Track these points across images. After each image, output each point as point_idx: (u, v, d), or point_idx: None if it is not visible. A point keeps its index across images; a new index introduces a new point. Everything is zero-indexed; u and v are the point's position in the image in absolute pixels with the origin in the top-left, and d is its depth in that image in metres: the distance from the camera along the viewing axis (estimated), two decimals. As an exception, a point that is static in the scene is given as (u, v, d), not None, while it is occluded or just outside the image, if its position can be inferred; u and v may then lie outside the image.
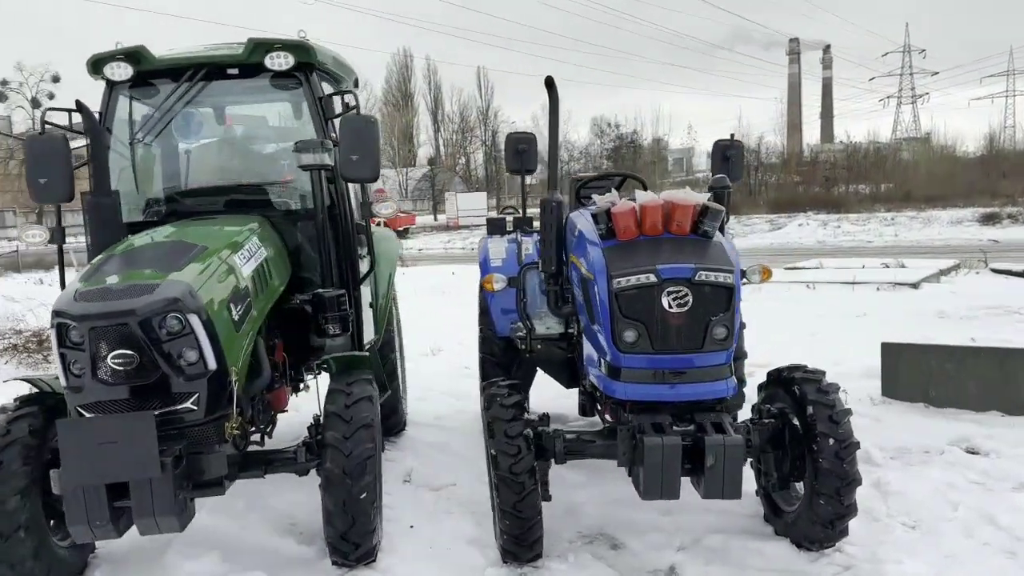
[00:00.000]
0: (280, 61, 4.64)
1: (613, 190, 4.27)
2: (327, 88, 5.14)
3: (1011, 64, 77.30)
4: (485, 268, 5.64)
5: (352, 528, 3.74)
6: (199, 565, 3.98)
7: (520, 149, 4.71)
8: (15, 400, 3.80)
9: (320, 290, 4.58)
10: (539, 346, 5.08)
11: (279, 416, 4.75)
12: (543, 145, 6.05)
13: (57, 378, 3.54)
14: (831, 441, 3.69)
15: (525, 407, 3.98)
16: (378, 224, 6.15)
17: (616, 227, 3.81)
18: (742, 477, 3.51)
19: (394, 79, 67.98)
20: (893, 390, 6.43)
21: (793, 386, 3.92)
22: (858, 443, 3.76)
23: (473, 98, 67.17)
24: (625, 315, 3.62)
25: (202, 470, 3.53)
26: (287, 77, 4.81)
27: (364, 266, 5.18)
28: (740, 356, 5.30)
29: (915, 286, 12.97)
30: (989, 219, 30.35)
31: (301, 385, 5.09)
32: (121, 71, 4.61)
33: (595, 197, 4.05)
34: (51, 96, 32.45)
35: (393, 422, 6.00)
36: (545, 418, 4.10)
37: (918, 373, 6.31)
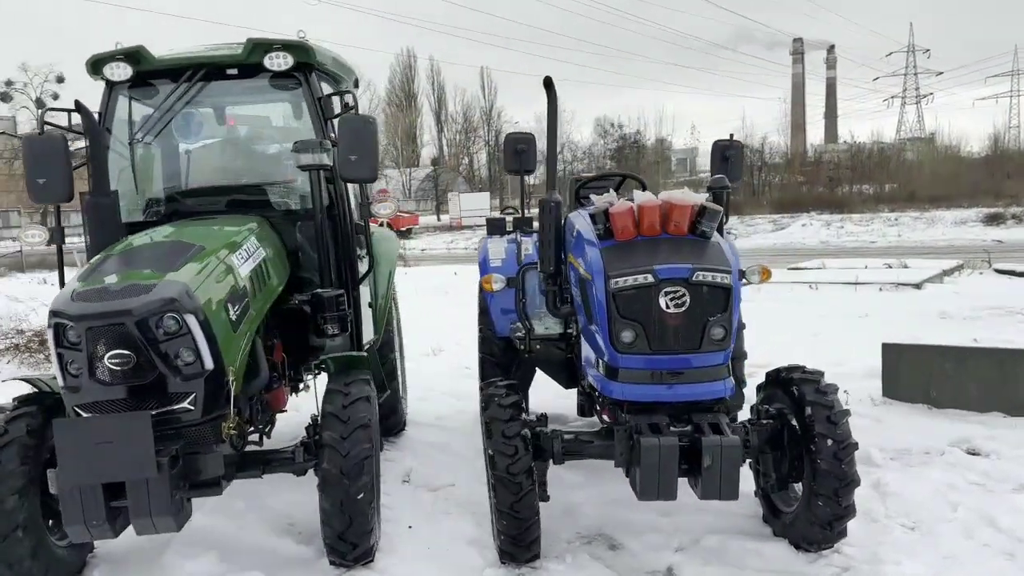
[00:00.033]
0: (279, 61, 4.65)
1: (611, 190, 4.27)
2: (327, 88, 5.14)
3: (1015, 64, 77.37)
4: (484, 268, 5.64)
5: (349, 528, 3.74)
6: (197, 565, 3.99)
7: (519, 149, 4.70)
8: (14, 400, 3.80)
9: (319, 290, 4.58)
10: (538, 346, 5.08)
11: (279, 416, 4.76)
12: (543, 145, 6.04)
13: (55, 378, 3.55)
14: (829, 442, 3.68)
15: (523, 407, 3.98)
16: (381, 224, 6.15)
17: (614, 227, 3.81)
18: (739, 478, 3.51)
19: (398, 79, 68.27)
20: (894, 391, 6.41)
21: (791, 387, 3.91)
22: (856, 444, 3.74)
23: (477, 98, 67.42)
24: (622, 315, 3.62)
25: (199, 470, 3.53)
26: (286, 77, 4.81)
27: (364, 266, 5.18)
28: (740, 356, 5.29)
29: (918, 287, 12.95)
30: (993, 219, 30.29)
31: (301, 385, 5.09)
32: (120, 71, 4.61)
33: (593, 197, 4.05)
34: (56, 97, 32.43)
35: (393, 422, 6.00)
36: (543, 418, 4.09)
37: (919, 374, 6.29)
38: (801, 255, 20.52)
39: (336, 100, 4.91)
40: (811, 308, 11.40)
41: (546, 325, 5.14)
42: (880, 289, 12.86)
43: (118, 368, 3.30)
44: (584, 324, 4.04)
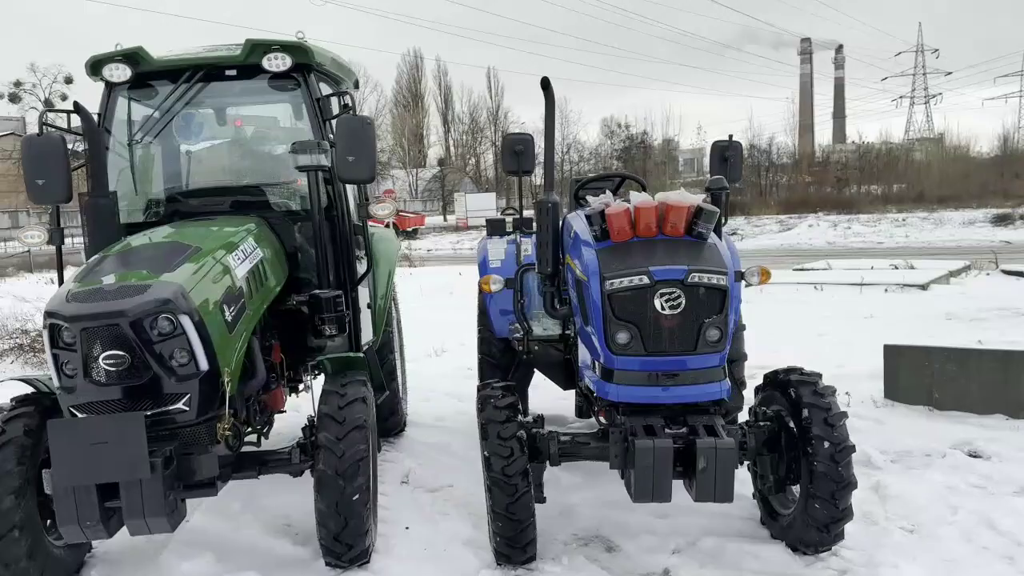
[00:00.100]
0: (278, 62, 4.65)
1: (608, 191, 4.25)
2: (326, 89, 5.15)
3: (1025, 64, 76.64)
4: (484, 269, 5.63)
5: (345, 529, 3.73)
6: (194, 565, 3.99)
7: (517, 150, 4.69)
8: (11, 400, 3.81)
9: (317, 291, 4.58)
10: (536, 347, 5.07)
11: (277, 417, 4.76)
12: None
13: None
14: (826, 444, 3.65)
15: (519, 409, 3.97)
16: (386, 225, 6.14)
17: (610, 228, 3.79)
18: (734, 480, 3.49)
19: (404, 80, 68.25)
20: (896, 392, 6.38)
21: (789, 388, 3.88)
22: (854, 446, 3.72)
23: (483, 98, 67.43)
24: (618, 317, 3.60)
25: (193, 471, 3.53)
26: (285, 78, 4.81)
27: (363, 267, 5.18)
28: (740, 358, 5.27)
29: (924, 287, 12.88)
30: (1002, 220, 30.15)
31: (300, 386, 5.10)
32: (120, 72, 4.63)
33: (589, 198, 4.04)
34: (64, 97, 32.56)
35: (392, 423, 5.99)
36: (540, 420, 4.08)
37: (921, 375, 6.25)
38: (807, 256, 20.44)
39: (335, 101, 4.91)
40: (815, 309, 11.36)
41: (545, 326, 5.13)
42: (886, 290, 12.81)
43: (113, 369, 3.30)
44: (580, 325, 4.03)
